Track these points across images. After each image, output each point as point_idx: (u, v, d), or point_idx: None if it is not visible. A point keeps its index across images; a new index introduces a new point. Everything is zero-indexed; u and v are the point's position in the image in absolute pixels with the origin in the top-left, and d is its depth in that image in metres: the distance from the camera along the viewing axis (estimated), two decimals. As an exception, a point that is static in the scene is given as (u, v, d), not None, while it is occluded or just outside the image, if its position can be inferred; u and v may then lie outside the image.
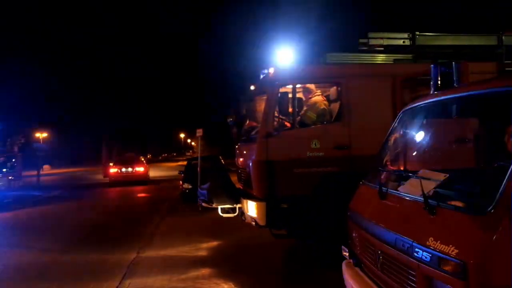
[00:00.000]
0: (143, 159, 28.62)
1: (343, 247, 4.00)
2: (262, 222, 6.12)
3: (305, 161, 5.98)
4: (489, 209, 2.26)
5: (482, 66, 5.23)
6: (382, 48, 6.67)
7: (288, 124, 6.26)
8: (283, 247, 7.44)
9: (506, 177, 2.29)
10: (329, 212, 5.75)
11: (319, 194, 5.89)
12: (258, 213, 6.12)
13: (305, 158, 5.99)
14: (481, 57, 6.55)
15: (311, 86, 6.76)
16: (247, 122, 7.55)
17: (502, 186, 2.27)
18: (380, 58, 6.95)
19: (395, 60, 6.86)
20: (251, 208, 6.32)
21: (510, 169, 2.30)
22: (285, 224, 6.23)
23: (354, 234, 3.81)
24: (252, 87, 7.66)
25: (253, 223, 6.40)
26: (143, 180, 24.20)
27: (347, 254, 3.92)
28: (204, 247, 8.05)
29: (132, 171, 24.30)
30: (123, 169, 24.20)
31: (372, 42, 6.21)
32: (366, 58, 6.86)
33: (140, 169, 24.79)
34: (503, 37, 6.15)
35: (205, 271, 6.48)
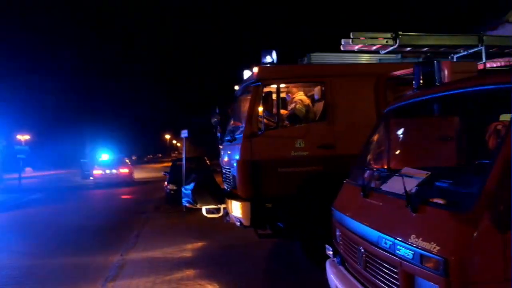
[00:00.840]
0: (127, 160, 28.33)
1: (327, 246, 4.00)
2: (246, 222, 6.09)
3: (290, 161, 5.98)
4: (470, 206, 2.27)
5: (463, 66, 5.29)
6: (366, 48, 6.70)
7: (272, 124, 6.25)
8: (268, 247, 7.43)
9: (487, 174, 2.31)
10: (314, 211, 5.76)
11: (304, 193, 5.89)
12: (242, 213, 6.10)
13: (289, 157, 5.98)
14: (462, 57, 6.66)
15: (295, 85, 6.76)
16: (232, 122, 7.52)
17: (483, 183, 2.29)
18: (364, 58, 7.00)
19: (379, 60, 6.91)
20: (236, 208, 6.29)
21: (490, 166, 2.32)
22: (269, 224, 6.22)
23: (338, 233, 3.81)
24: (236, 87, 7.63)
25: (238, 223, 6.38)
26: (127, 181, 23.96)
27: (331, 253, 3.91)
28: (188, 248, 7.98)
29: (116, 173, 24.04)
30: (107, 171, 23.92)
31: (356, 42, 6.23)
32: (350, 58, 6.89)
33: (124, 170, 24.54)
34: (484, 37, 6.24)
35: (189, 272, 6.42)
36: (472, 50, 6.50)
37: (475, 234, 2.21)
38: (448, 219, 2.36)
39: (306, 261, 6.05)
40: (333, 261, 3.82)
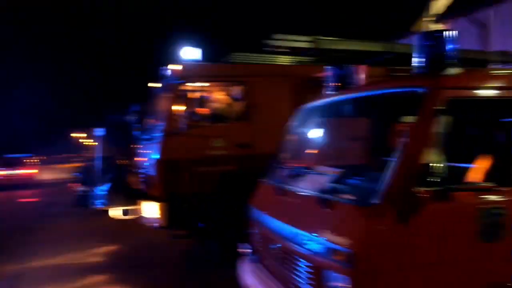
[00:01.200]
0: (33, 160, 26.19)
1: (240, 244, 4.01)
2: (162, 223, 5.91)
3: (208, 160, 5.91)
4: (374, 201, 2.40)
5: (375, 71, 5.64)
6: (288, 50, 6.87)
7: (192, 123, 6.12)
8: (183, 247, 7.26)
9: (390, 170, 2.45)
10: (231, 210, 5.74)
11: (221, 192, 5.85)
12: (158, 213, 5.92)
13: (207, 156, 5.91)
14: (376, 62, 7.09)
15: (217, 84, 6.71)
16: (149, 120, 7.26)
17: (387, 179, 2.43)
18: (284, 59, 7.17)
19: (298, 62, 7.11)
20: (151, 209, 6.08)
21: (394, 164, 2.47)
22: (186, 224, 6.09)
23: (255, 231, 3.82)
24: (154, 85, 7.39)
25: (153, 224, 6.16)
26: (33, 183, 22.15)
27: (246, 251, 3.92)
28: (98, 253, 7.51)
29: (19, 173, 22.11)
30: (9, 172, 21.91)
31: (277, 43, 6.36)
32: (270, 59, 7.02)
33: (29, 171, 22.66)
34: (392, 45, 6.75)
35: (99, 278, 6.04)
36: (387, 56, 6.97)
37: (379, 226, 2.34)
38: (356, 214, 2.46)
39: (222, 261, 6.01)
40: (249, 259, 3.82)
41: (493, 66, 7.51)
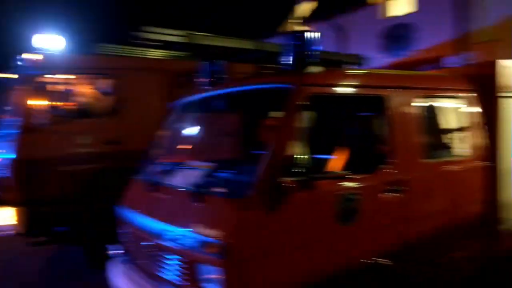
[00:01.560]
0: None
1: (110, 246, 3.80)
2: (20, 230, 5.29)
3: (72, 159, 5.45)
4: (245, 193, 2.48)
5: (244, 67, 5.83)
6: (160, 44, 6.70)
7: (52, 118, 5.57)
8: (44, 256, 6.60)
9: (259, 163, 2.56)
10: (98, 211, 5.40)
11: (87, 193, 5.46)
12: (15, 220, 5.28)
13: (71, 155, 5.45)
14: (246, 60, 7.32)
15: (81, 77, 6.21)
16: (2, 115, 6.43)
17: (256, 171, 2.53)
18: (157, 53, 6.96)
19: (171, 56, 6.98)
20: (7, 215, 5.40)
21: (262, 156, 2.58)
22: (47, 229, 5.55)
23: (126, 231, 3.65)
24: (6, 75, 6.55)
25: (9, 232, 5.48)
26: None
27: (117, 252, 3.73)
28: None
29: None
30: None
31: (148, 36, 6.15)
32: (142, 52, 6.76)
33: None
34: (266, 44, 7.08)
35: None
36: (257, 54, 7.24)
37: (250, 217, 2.43)
38: (228, 206, 2.52)
39: (90, 265, 5.63)
40: (121, 260, 3.65)
41: (348, 67, 8.34)
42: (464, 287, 3.97)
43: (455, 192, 3.71)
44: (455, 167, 3.70)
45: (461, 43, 9.74)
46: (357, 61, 9.33)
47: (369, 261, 2.95)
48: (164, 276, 2.91)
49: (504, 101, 3.98)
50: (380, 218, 3.06)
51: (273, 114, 3.05)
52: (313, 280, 2.65)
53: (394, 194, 3.10)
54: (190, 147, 3.75)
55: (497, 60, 4.00)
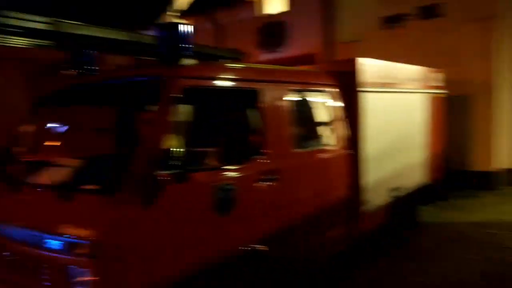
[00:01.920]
0: None
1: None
2: None
3: None
4: (118, 189, 2.37)
5: (119, 59, 5.56)
6: (22, 31, 6.02)
7: None
8: None
9: (132, 157, 2.47)
10: None
11: None
12: None
13: None
14: (122, 51, 7.00)
15: None
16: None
17: (129, 166, 2.44)
18: (19, 41, 6.27)
19: (36, 45, 6.34)
20: None
21: (135, 150, 2.49)
22: None
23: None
24: None
25: None
26: None
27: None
28: None
29: None
30: None
31: (8, 22, 5.49)
32: (1, 40, 6.02)
33: None
34: (143, 36, 6.82)
35: None
36: (133, 46, 6.95)
37: (123, 213, 2.33)
38: (99, 204, 2.39)
39: None
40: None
41: (224, 61, 8.53)
42: (333, 265, 4.38)
43: (323, 179, 4.04)
44: (323, 156, 4.03)
45: (328, 42, 10.55)
46: (235, 56, 9.59)
47: (247, 248, 3.06)
48: (32, 286, 2.65)
49: (363, 95, 4.44)
50: (256, 206, 3.19)
51: (146, 107, 2.97)
52: (191, 273, 2.66)
53: (268, 183, 3.26)
54: (57, 143, 3.46)
55: (357, 58, 4.43)
